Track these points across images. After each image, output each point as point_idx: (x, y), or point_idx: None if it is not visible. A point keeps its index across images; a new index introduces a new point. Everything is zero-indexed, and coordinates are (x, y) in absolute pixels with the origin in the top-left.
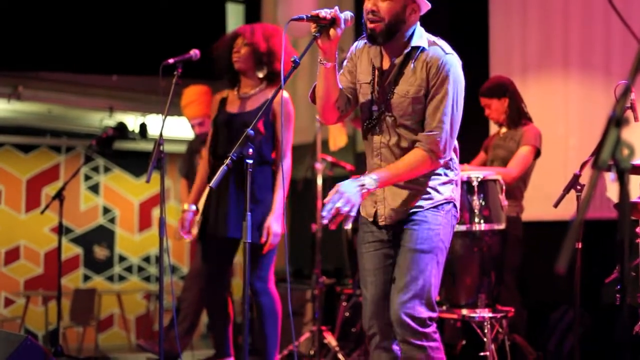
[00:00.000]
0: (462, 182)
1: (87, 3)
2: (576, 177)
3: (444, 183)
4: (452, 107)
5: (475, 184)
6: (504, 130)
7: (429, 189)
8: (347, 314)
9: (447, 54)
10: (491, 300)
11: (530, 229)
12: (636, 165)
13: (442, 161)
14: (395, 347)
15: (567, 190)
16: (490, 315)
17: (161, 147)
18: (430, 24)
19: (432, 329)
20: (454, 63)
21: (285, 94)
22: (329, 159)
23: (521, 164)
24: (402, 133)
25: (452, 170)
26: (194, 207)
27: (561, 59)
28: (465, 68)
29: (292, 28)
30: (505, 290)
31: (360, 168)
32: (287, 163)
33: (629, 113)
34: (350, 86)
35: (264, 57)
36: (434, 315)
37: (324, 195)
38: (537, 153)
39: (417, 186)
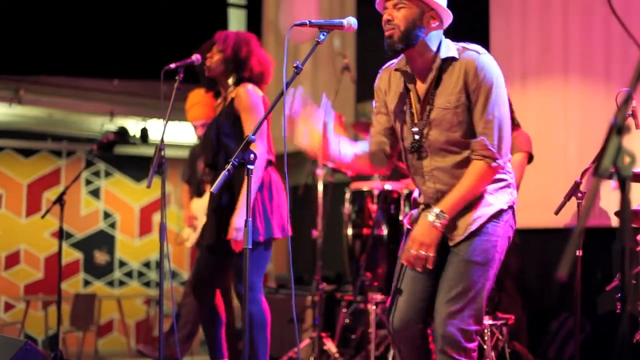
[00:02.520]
0: None
1: (88, 7)
2: (577, 185)
3: (502, 188)
4: (497, 107)
5: None
6: None
7: (487, 196)
8: (347, 320)
9: (480, 54)
10: (491, 307)
11: (531, 236)
12: (637, 173)
13: (500, 163)
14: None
15: (568, 198)
16: (490, 322)
17: (162, 152)
18: None
19: (474, 345)
20: (489, 62)
21: (249, 86)
22: (330, 165)
23: (519, 172)
24: (451, 149)
25: (506, 173)
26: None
27: (561, 65)
28: None
29: (294, 34)
30: (506, 297)
31: (361, 174)
32: (259, 156)
33: (630, 121)
34: (387, 126)
35: (231, 64)
36: (480, 329)
37: (325, 201)
38: (530, 158)
39: (477, 198)
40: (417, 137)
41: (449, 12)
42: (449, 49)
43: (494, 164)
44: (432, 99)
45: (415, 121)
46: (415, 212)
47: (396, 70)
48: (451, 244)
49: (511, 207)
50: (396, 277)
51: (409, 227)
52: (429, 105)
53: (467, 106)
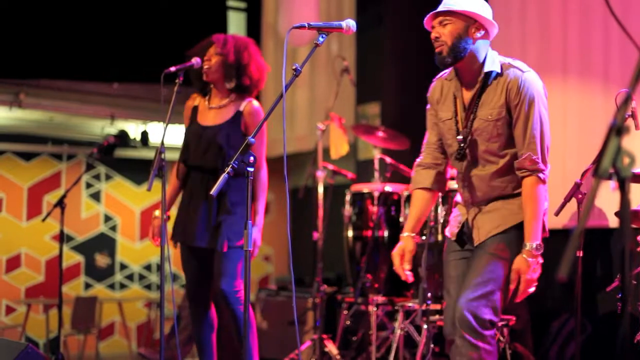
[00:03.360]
0: None
1: (88, 11)
2: (577, 186)
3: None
4: (539, 123)
5: None
6: None
7: (513, 207)
8: (348, 322)
9: (524, 72)
10: None
11: None
12: (637, 173)
13: (547, 173)
14: None
15: (568, 199)
16: None
17: (162, 155)
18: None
19: (490, 332)
20: (534, 79)
21: (255, 103)
22: (330, 167)
23: None
24: (489, 158)
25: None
26: (157, 213)
27: (560, 66)
28: None
29: (292, 37)
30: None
31: (361, 176)
32: (263, 174)
33: (630, 121)
34: (439, 137)
35: (233, 69)
36: (496, 320)
37: (325, 203)
38: None
39: (507, 206)
40: (461, 144)
41: (493, 22)
42: (494, 62)
43: (542, 176)
44: (475, 109)
45: (460, 129)
46: (453, 218)
47: (447, 79)
48: (475, 244)
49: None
50: (444, 284)
51: (449, 236)
52: (472, 115)
53: (508, 121)
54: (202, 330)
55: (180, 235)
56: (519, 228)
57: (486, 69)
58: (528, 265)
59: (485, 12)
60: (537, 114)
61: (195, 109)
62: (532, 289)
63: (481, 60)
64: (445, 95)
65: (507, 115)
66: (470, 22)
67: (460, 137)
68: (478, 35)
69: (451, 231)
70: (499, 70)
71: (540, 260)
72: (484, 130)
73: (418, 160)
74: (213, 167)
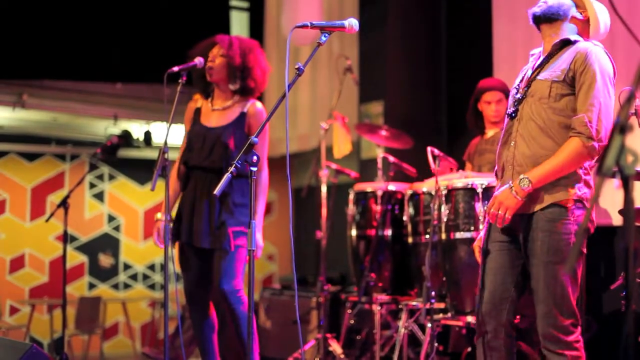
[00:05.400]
0: (466, 189)
1: (91, 11)
2: None
3: (573, 180)
4: (601, 92)
5: (479, 190)
6: (491, 133)
7: (558, 186)
8: (352, 321)
9: (596, 45)
10: None
11: None
12: None
13: (596, 145)
14: (503, 348)
15: None
16: None
17: (166, 155)
18: (433, 29)
19: (574, 337)
20: (600, 52)
21: (259, 104)
22: (334, 166)
23: None
24: (537, 120)
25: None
26: (159, 215)
27: None
28: (467, 72)
29: (295, 36)
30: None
31: (365, 175)
32: (264, 175)
33: (633, 119)
34: None
35: (238, 71)
36: (575, 320)
37: (329, 203)
38: None
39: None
40: (515, 101)
41: (599, 27)
42: (575, 36)
43: (588, 143)
44: (539, 71)
45: (519, 88)
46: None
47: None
48: (529, 211)
49: (582, 201)
50: (481, 274)
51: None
52: (534, 76)
53: (567, 86)
54: (203, 332)
55: (184, 235)
56: (566, 213)
57: (563, 37)
58: (505, 190)
59: (600, 11)
60: (600, 84)
61: (197, 111)
62: (496, 211)
63: (563, 36)
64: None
65: (569, 82)
66: (580, 4)
67: (518, 94)
68: (577, 16)
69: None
70: (574, 39)
71: (518, 197)
72: (539, 90)
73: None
74: (218, 168)
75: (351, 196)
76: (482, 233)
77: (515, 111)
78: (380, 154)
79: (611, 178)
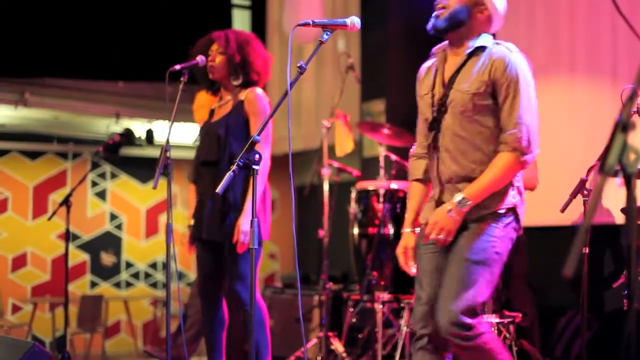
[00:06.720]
0: None
1: (93, 9)
2: (583, 182)
3: (505, 188)
4: (525, 101)
5: None
6: None
7: (488, 198)
8: (354, 319)
9: (511, 52)
10: (498, 305)
11: (537, 234)
12: None
13: (529, 158)
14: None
15: (574, 195)
16: (498, 320)
17: (168, 153)
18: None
19: (476, 330)
20: (520, 60)
21: (258, 90)
22: (336, 164)
23: (536, 169)
24: (462, 134)
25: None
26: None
27: (567, 63)
28: None
29: (297, 34)
30: (519, 296)
31: (367, 174)
32: (263, 162)
33: (636, 117)
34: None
35: (239, 67)
36: (480, 319)
37: (331, 201)
38: None
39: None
40: (434, 116)
41: (501, 15)
42: (486, 41)
43: (522, 158)
44: (453, 82)
45: (435, 101)
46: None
47: (435, 54)
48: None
49: (514, 208)
50: (417, 277)
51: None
52: (448, 87)
53: (489, 98)
54: (213, 327)
55: (194, 231)
56: (497, 220)
57: (475, 44)
58: (442, 211)
59: (497, 2)
60: (525, 95)
61: (212, 112)
62: (436, 236)
63: (473, 38)
64: (429, 72)
65: (490, 92)
66: (480, 2)
67: (434, 108)
68: (480, 18)
69: (425, 217)
70: (489, 46)
71: (457, 218)
72: (459, 102)
73: (411, 150)
74: (215, 159)
75: (353, 194)
76: (403, 240)
77: (435, 122)
78: (382, 152)
79: (613, 176)
